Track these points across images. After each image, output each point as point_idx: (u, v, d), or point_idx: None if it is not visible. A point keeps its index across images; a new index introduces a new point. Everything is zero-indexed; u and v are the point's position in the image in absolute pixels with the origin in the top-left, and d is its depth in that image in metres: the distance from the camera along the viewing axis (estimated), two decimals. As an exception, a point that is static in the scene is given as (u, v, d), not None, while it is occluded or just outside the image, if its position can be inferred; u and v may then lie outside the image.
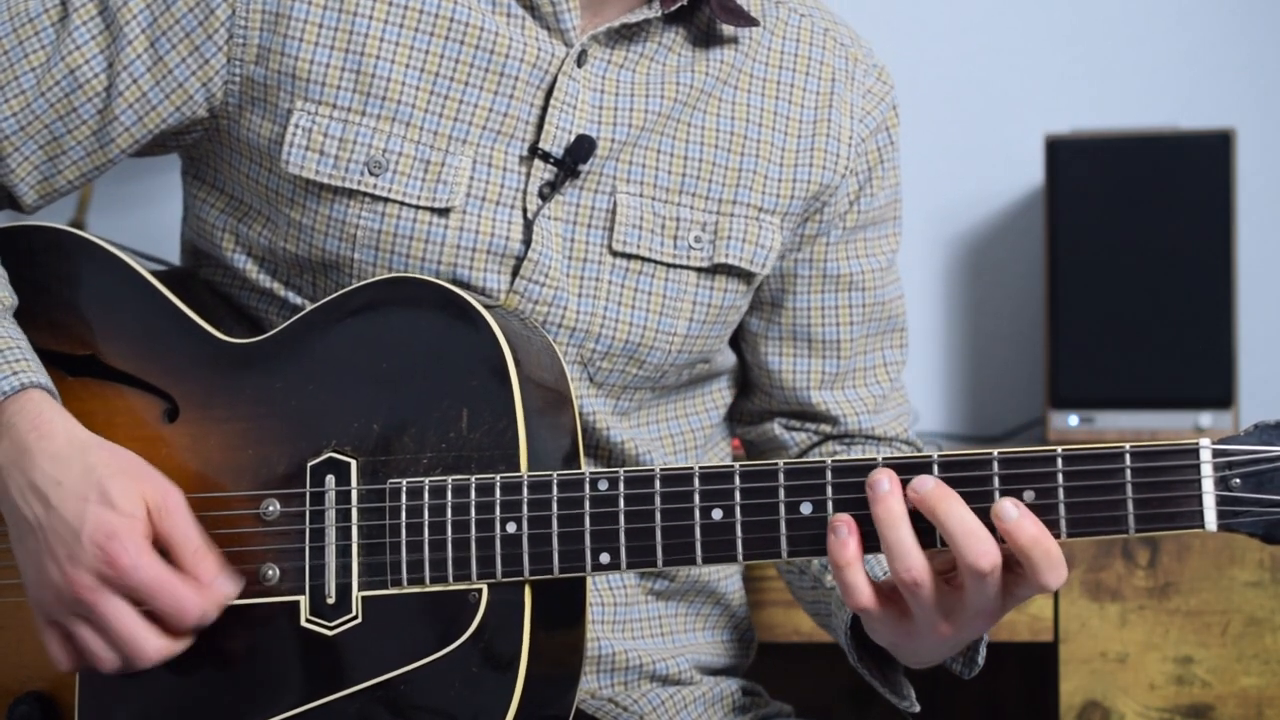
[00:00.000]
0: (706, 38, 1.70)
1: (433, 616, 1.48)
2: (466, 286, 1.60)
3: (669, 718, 1.71)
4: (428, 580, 1.49)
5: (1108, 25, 2.61)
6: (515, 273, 1.63)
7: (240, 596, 1.50)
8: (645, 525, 1.46)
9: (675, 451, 1.76)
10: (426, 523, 1.49)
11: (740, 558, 1.45)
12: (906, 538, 1.39)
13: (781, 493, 1.44)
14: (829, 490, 1.43)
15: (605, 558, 1.47)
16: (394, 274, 1.61)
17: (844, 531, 1.41)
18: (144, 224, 2.58)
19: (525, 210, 1.63)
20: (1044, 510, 1.38)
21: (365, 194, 1.61)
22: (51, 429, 1.50)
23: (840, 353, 1.78)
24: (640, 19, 1.66)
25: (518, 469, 1.48)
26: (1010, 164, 2.60)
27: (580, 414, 1.61)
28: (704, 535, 1.45)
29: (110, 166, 1.68)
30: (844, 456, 1.60)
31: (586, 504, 1.47)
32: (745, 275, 1.71)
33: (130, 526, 1.45)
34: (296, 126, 1.61)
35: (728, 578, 1.81)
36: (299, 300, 1.67)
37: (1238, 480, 1.36)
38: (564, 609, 1.51)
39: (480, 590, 1.48)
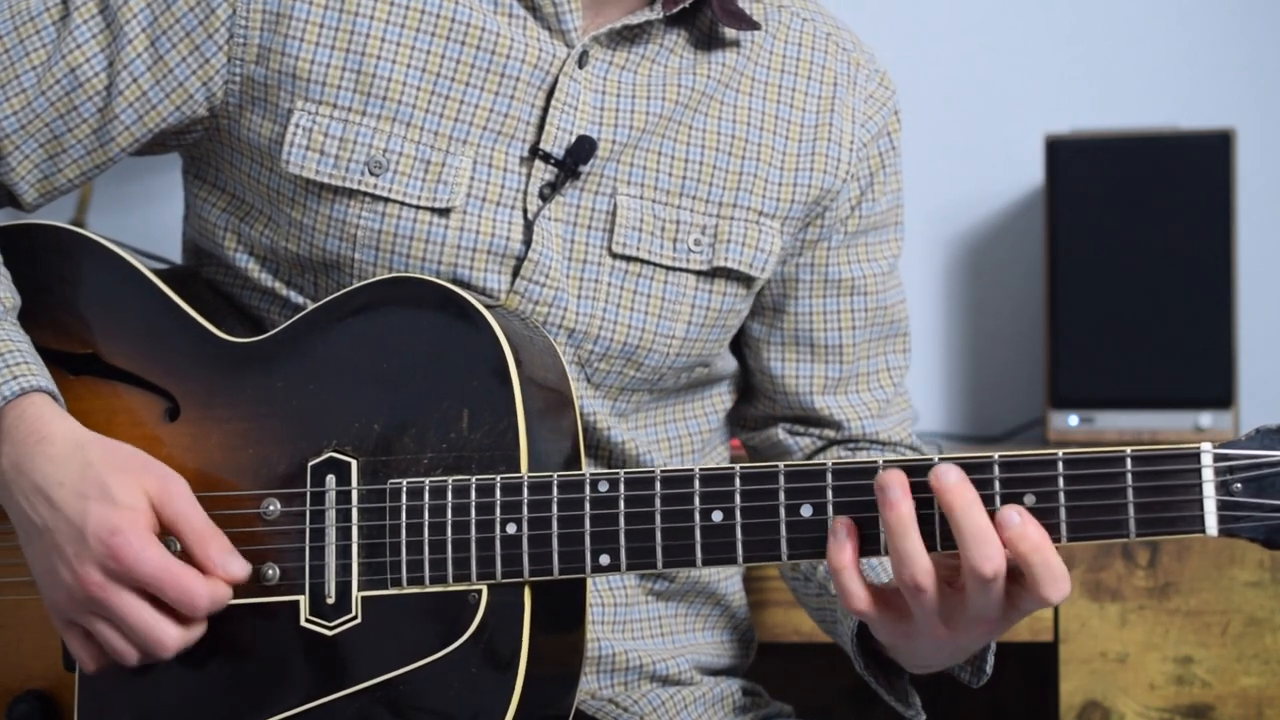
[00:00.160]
0: (708, 40, 1.70)
1: (432, 617, 1.48)
2: (467, 287, 1.60)
3: (669, 718, 1.71)
4: (427, 581, 1.49)
5: (1108, 25, 2.61)
6: (515, 273, 1.63)
7: (240, 596, 1.50)
8: (645, 527, 1.46)
9: (672, 455, 1.76)
10: (426, 523, 1.49)
11: (740, 560, 1.45)
12: (915, 544, 1.39)
13: (782, 495, 1.44)
14: (829, 493, 1.43)
15: (605, 559, 1.47)
16: (395, 274, 1.61)
17: (842, 534, 1.40)
18: (144, 224, 2.58)
19: (526, 211, 1.63)
20: (1044, 514, 1.38)
21: (365, 194, 1.61)
22: (51, 431, 1.50)
23: (843, 358, 1.78)
24: (642, 20, 1.66)
25: (518, 470, 1.48)
26: (1010, 164, 2.60)
27: (580, 414, 1.61)
28: (704, 537, 1.45)
29: (110, 165, 1.68)
30: (844, 459, 1.60)
31: (587, 505, 1.47)
32: (744, 279, 1.71)
33: (133, 519, 1.45)
34: (297, 126, 1.61)
35: (728, 578, 1.81)
36: (300, 300, 1.67)
37: (1238, 485, 1.36)
38: (564, 610, 1.51)
39: (480, 591, 1.48)
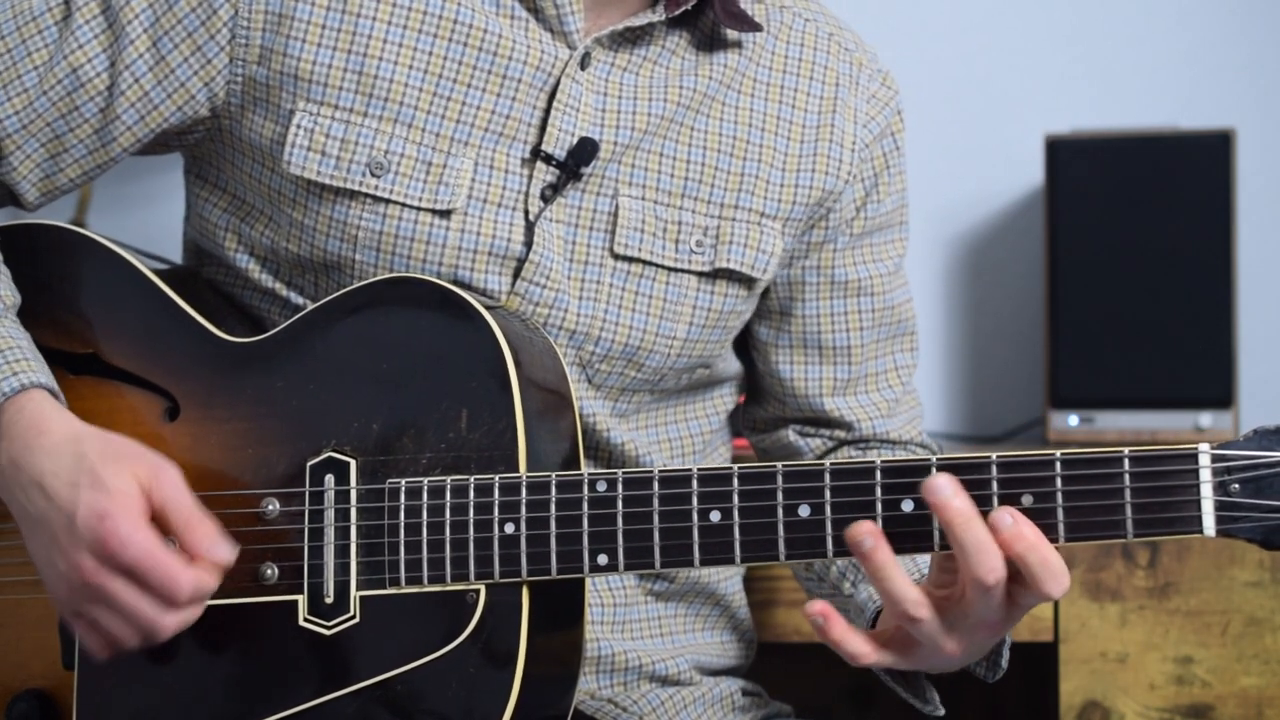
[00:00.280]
0: (710, 42, 1.70)
1: (431, 616, 1.49)
2: (467, 288, 1.60)
3: (669, 718, 1.71)
4: (426, 580, 1.49)
5: (1108, 25, 2.61)
6: (516, 274, 1.63)
7: (239, 596, 1.50)
8: (643, 527, 1.46)
9: (673, 456, 1.76)
10: (425, 523, 1.49)
11: (738, 560, 1.45)
12: (901, 583, 1.39)
13: (779, 495, 1.44)
14: (827, 493, 1.43)
15: (603, 559, 1.47)
16: (394, 274, 1.61)
17: (820, 621, 1.40)
18: (145, 224, 2.58)
19: (527, 212, 1.63)
20: (1042, 515, 1.38)
21: (367, 195, 1.61)
22: (49, 426, 1.50)
23: (851, 358, 1.78)
24: (644, 22, 1.66)
25: (517, 470, 1.48)
26: (1010, 164, 2.60)
27: (580, 415, 1.61)
28: (702, 537, 1.45)
29: (112, 165, 1.68)
30: (842, 460, 1.60)
31: (585, 505, 1.47)
32: (746, 280, 1.71)
33: (123, 505, 1.44)
34: (298, 127, 1.61)
35: (728, 578, 1.81)
36: (301, 300, 1.67)
37: (1236, 485, 1.36)
38: (562, 610, 1.52)
39: (478, 590, 1.48)
